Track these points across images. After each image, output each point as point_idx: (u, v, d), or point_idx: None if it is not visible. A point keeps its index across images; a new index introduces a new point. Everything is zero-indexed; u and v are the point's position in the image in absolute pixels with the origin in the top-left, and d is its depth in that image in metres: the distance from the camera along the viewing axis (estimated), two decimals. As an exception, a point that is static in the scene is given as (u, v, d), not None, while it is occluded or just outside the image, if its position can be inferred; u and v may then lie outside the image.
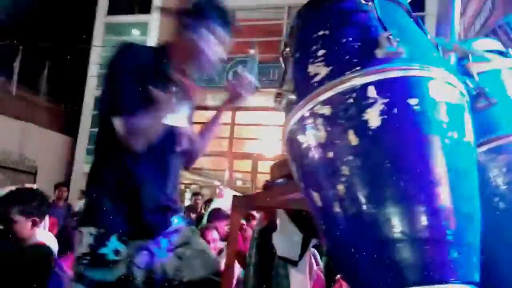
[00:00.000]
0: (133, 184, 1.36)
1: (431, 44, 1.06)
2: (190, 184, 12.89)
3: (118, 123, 1.32)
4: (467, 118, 0.97)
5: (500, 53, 1.44)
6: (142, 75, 1.35)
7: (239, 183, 12.91)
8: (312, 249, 2.24)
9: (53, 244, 2.35)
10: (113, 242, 1.27)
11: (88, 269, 1.26)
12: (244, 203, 1.41)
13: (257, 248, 2.11)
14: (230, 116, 11.54)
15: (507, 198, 1.22)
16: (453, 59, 1.24)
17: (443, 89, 0.92)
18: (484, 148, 1.26)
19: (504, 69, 1.37)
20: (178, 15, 1.49)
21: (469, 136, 0.95)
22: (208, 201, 5.86)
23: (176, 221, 1.47)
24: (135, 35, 13.20)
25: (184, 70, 1.49)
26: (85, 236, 1.29)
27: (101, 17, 13.22)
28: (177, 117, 1.49)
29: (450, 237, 0.83)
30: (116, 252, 1.26)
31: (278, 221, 2.12)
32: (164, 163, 1.42)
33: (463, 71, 1.32)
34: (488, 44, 1.45)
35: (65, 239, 2.55)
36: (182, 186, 12.14)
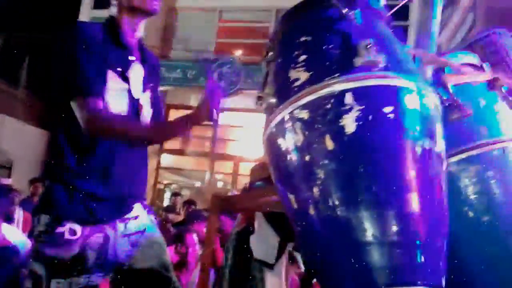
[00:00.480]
0: (87, 170, 1.33)
1: (408, 55, 1.10)
2: (170, 184, 12.80)
3: (79, 105, 1.29)
4: (439, 128, 1.00)
5: (476, 67, 1.49)
6: (96, 53, 1.32)
7: (220, 184, 12.87)
8: (296, 252, 2.25)
9: (21, 240, 2.29)
10: (69, 223, 1.29)
11: (44, 247, 1.28)
12: (223, 204, 1.41)
13: (234, 250, 2.12)
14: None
15: (475, 207, 1.27)
16: (429, 70, 1.28)
17: (417, 99, 0.96)
18: (456, 158, 1.30)
19: (478, 82, 1.42)
20: None
21: (440, 145, 0.99)
22: (187, 202, 5.83)
23: (137, 207, 1.44)
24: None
25: (135, 28, 1.44)
26: (43, 217, 1.30)
27: (86, 11, 13.03)
28: (136, 87, 1.42)
29: (418, 242, 0.86)
30: (72, 231, 1.27)
31: (256, 224, 2.13)
32: (123, 145, 1.38)
33: (438, 83, 1.37)
34: (465, 58, 1.50)
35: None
36: (162, 186, 12.05)
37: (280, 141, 1.01)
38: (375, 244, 0.87)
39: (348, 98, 0.92)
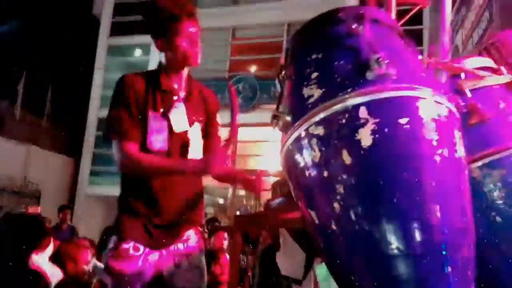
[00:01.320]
0: (143, 200, 1.54)
1: (421, 64, 1.10)
2: (194, 202, 12.87)
3: (116, 146, 1.51)
4: (457, 135, 0.99)
5: (492, 70, 1.47)
6: (138, 101, 1.52)
7: (243, 200, 12.89)
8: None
9: (52, 270, 2.33)
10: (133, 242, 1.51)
11: (112, 261, 1.50)
12: (246, 223, 1.42)
13: (261, 267, 2.12)
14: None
15: (503, 212, 1.24)
16: (444, 77, 1.27)
17: (431, 107, 0.96)
18: (479, 163, 1.28)
19: (495, 85, 1.40)
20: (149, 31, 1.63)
21: (460, 152, 0.98)
22: (211, 220, 5.86)
23: (189, 232, 1.59)
24: (137, 55, 13.39)
25: (180, 74, 1.62)
26: (112, 238, 1.54)
27: (103, 39, 13.44)
28: (179, 124, 1.57)
29: (444, 252, 0.85)
30: (136, 248, 1.48)
31: (281, 240, 2.13)
32: (174, 178, 1.54)
33: (455, 88, 1.36)
34: (480, 62, 1.49)
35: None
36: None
37: (297, 158, 1.02)
38: (400, 257, 0.86)
39: (363, 112, 0.93)
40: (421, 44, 8.08)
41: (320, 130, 0.97)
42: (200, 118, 1.65)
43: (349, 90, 0.96)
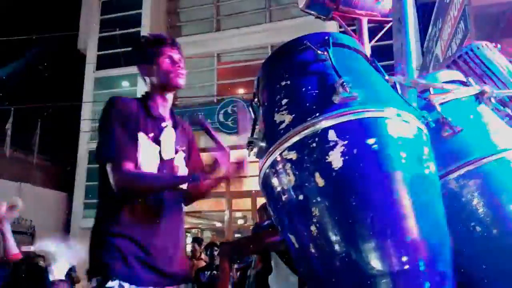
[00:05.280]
0: (134, 234, 1.45)
1: (387, 85, 1.13)
2: (191, 228, 12.75)
3: (108, 169, 1.44)
4: (427, 151, 1.02)
5: (461, 82, 1.52)
6: (130, 122, 1.49)
7: (240, 221, 12.79)
8: None
9: None
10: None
11: None
12: (233, 249, 1.42)
13: (254, 291, 2.10)
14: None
15: (482, 221, 1.26)
16: (412, 95, 1.31)
17: (399, 126, 0.98)
18: (454, 175, 1.30)
19: (465, 97, 1.44)
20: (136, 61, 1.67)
21: (431, 167, 1.00)
22: (209, 245, 5.80)
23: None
24: (124, 87, 13.45)
25: (166, 100, 1.63)
26: (94, 280, 1.44)
27: (90, 73, 13.53)
28: (167, 149, 1.56)
29: (422, 268, 0.86)
30: (121, 286, 1.40)
31: (272, 263, 2.12)
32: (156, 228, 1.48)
33: (426, 104, 1.40)
34: (449, 75, 1.53)
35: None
36: (182, 232, 12.01)
37: (274, 182, 1.04)
38: (377, 276, 0.87)
39: (331, 135, 0.96)
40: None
41: (292, 155, 0.99)
42: (183, 148, 1.66)
43: (317, 114, 0.99)
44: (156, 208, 1.48)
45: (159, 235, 1.48)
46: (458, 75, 1.55)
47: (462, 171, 1.30)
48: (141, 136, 1.50)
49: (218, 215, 12.67)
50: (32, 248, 7.17)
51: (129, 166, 1.44)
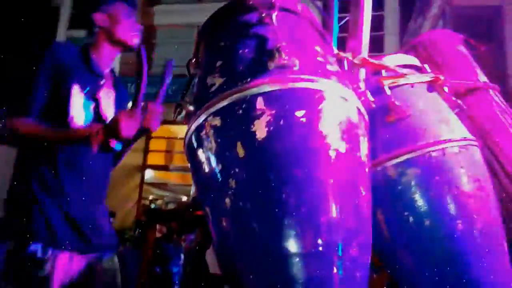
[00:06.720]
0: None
1: (332, 58, 1.06)
2: (156, 199, 12.63)
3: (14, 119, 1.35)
4: (361, 132, 0.96)
5: (416, 68, 1.47)
6: (61, 73, 1.39)
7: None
8: None
9: None
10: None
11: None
12: (156, 217, 1.35)
13: (191, 265, 2.05)
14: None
15: (416, 212, 1.22)
16: (362, 73, 1.25)
17: (333, 101, 0.92)
18: (394, 161, 1.26)
19: (417, 83, 1.39)
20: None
21: (361, 149, 0.94)
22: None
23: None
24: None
25: (112, 58, 1.52)
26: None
27: (62, 31, 12.97)
28: (106, 108, 1.47)
29: (331, 251, 0.81)
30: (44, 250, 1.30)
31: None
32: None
33: (375, 85, 1.34)
34: (404, 59, 1.48)
35: None
36: (147, 202, 11.87)
37: (196, 149, 0.96)
38: (290, 256, 0.81)
39: (260, 103, 0.88)
40: (382, 50, 8.21)
41: (217, 121, 0.92)
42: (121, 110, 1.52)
43: (248, 80, 0.91)
44: (80, 167, 1.38)
45: (82, 192, 1.37)
46: (414, 61, 1.49)
47: (402, 159, 1.25)
48: (75, 88, 1.39)
49: (184, 189, 12.58)
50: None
51: (26, 121, 1.34)
